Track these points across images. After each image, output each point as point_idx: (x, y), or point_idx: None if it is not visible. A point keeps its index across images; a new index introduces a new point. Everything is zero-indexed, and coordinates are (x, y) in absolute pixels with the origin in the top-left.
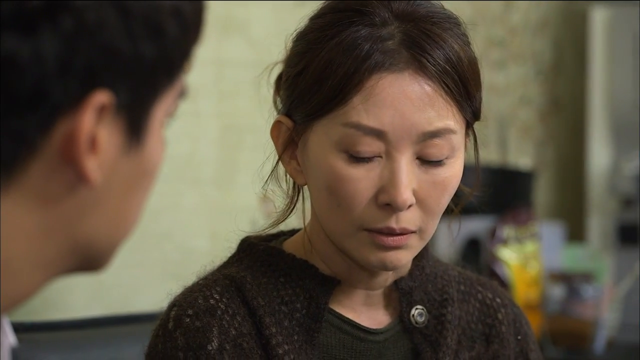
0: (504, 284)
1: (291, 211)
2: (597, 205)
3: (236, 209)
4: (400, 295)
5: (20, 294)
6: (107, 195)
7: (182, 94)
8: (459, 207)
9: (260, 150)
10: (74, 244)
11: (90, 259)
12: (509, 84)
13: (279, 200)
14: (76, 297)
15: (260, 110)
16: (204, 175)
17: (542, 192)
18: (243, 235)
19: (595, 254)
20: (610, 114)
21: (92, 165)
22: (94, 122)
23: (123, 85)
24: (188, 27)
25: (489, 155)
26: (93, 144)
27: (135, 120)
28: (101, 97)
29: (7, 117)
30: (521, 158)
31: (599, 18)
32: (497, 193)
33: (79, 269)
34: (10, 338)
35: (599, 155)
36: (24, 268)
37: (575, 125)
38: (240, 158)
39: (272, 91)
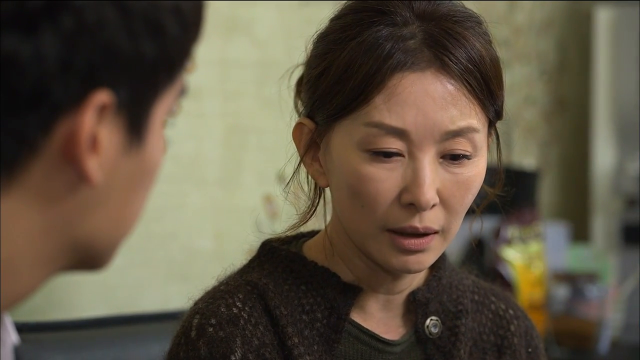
0: (508, 284)
1: (313, 213)
2: (601, 206)
3: (241, 209)
4: (416, 306)
5: (21, 292)
6: (108, 194)
7: (183, 92)
8: (480, 207)
9: (265, 151)
10: (74, 242)
11: (90, 258)
12: (514, 84)
13: (299, 203)
14: (81, 297)
15: (265, 111)
16: (208, 175)
17: (547, 192)
18: (249, 237)
19: (600, 254)
20: (615, 114)
21: (93, 165)
22: (95, 121)
23: (123, 84)
24: (188, 26)
25: (493, 155)
26: (94, 143)
27: (135, 119)
28: (102, 97)
29: (7, 117)
30: (525, 158)
31: (603, 18)
32: (505, 193)
33: (79, 267)
34: (13, 336)
35: (604, 155)
36: (25, 266)
37: (580, 125)
38: (245, 158)
39: (292, 94)
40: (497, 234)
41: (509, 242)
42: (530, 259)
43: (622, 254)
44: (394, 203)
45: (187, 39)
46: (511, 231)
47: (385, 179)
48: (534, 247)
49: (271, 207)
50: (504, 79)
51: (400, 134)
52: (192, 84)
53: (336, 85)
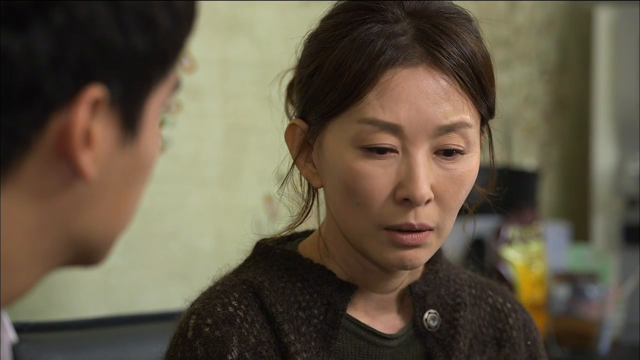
0: (508, 284)
1: (307, 214)
2: (602, 205)
3: (241, 209)
4: (413, 300)
5: (18, 289)
6: (103, 189)
7: (177, 86)
8: (473, 206)
9: (265, 151)
10: (70, 238)
11: (87, 253)
12: (514, 84)
13: (294, 204)
14: (81, 297)
15: (265, 111)
16: (209, 175)
17: (547, 192)
18: (249, 237)
19: (600, 254)
20: (615, 114)
21: (87, 160)
22: (88, 116)
23: (116, 78)
24: (180, 19)
25: (487, 155)
26: (88, 138)
27: (129, 114)
28: (95, 92)
29: (0, 114)
30: (526, 158)
31: (604, 18)
32: (501, 193)
33: (76, 263)
34: (10, 334)
35: (604, 155)
36: (22, 263)
37: (580, 125)
38: (246, 158)
39: (283, 98)
40: (497, 234)
41: (509, 242)
42: (530, 259)
43: (622, 254)
44: (388, 200)
45: (179, 32)
46: (512, 231)
47: (380, 175)
48: (535, 247)
49: (271, 207)
50: (495, 76)
51: (393, 129)
52: (192, 84)
53: (328, 83)
